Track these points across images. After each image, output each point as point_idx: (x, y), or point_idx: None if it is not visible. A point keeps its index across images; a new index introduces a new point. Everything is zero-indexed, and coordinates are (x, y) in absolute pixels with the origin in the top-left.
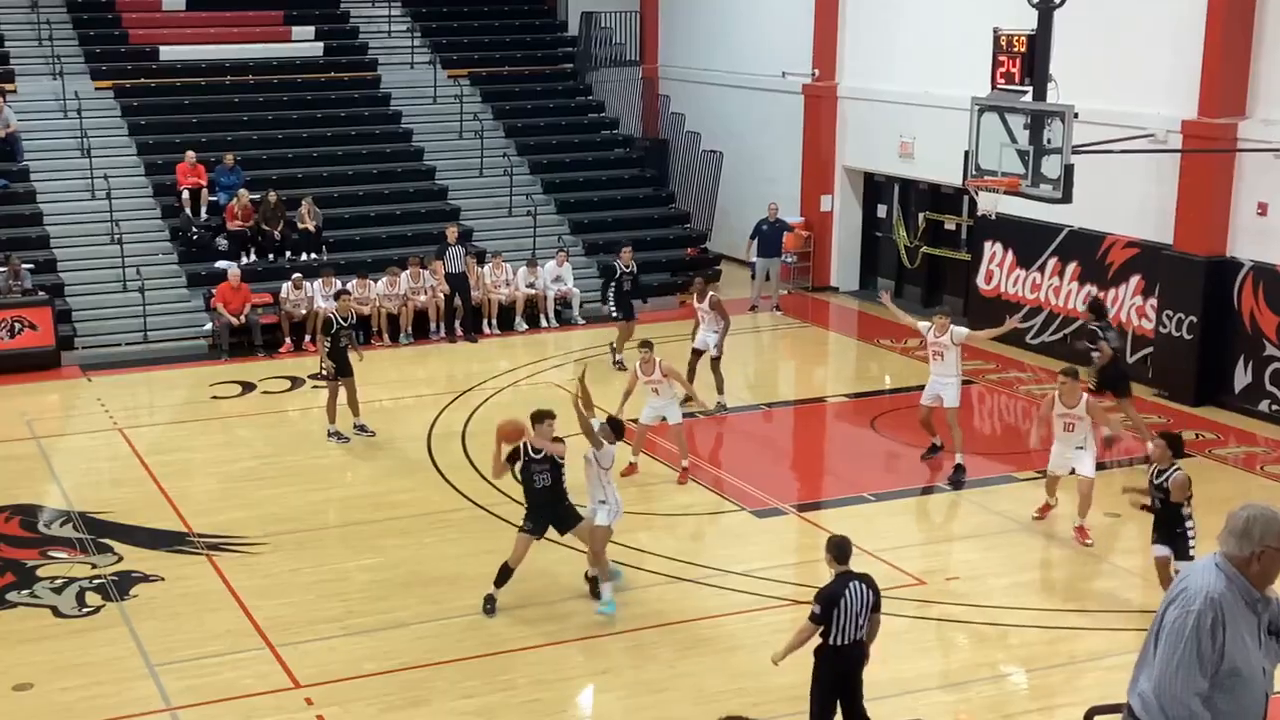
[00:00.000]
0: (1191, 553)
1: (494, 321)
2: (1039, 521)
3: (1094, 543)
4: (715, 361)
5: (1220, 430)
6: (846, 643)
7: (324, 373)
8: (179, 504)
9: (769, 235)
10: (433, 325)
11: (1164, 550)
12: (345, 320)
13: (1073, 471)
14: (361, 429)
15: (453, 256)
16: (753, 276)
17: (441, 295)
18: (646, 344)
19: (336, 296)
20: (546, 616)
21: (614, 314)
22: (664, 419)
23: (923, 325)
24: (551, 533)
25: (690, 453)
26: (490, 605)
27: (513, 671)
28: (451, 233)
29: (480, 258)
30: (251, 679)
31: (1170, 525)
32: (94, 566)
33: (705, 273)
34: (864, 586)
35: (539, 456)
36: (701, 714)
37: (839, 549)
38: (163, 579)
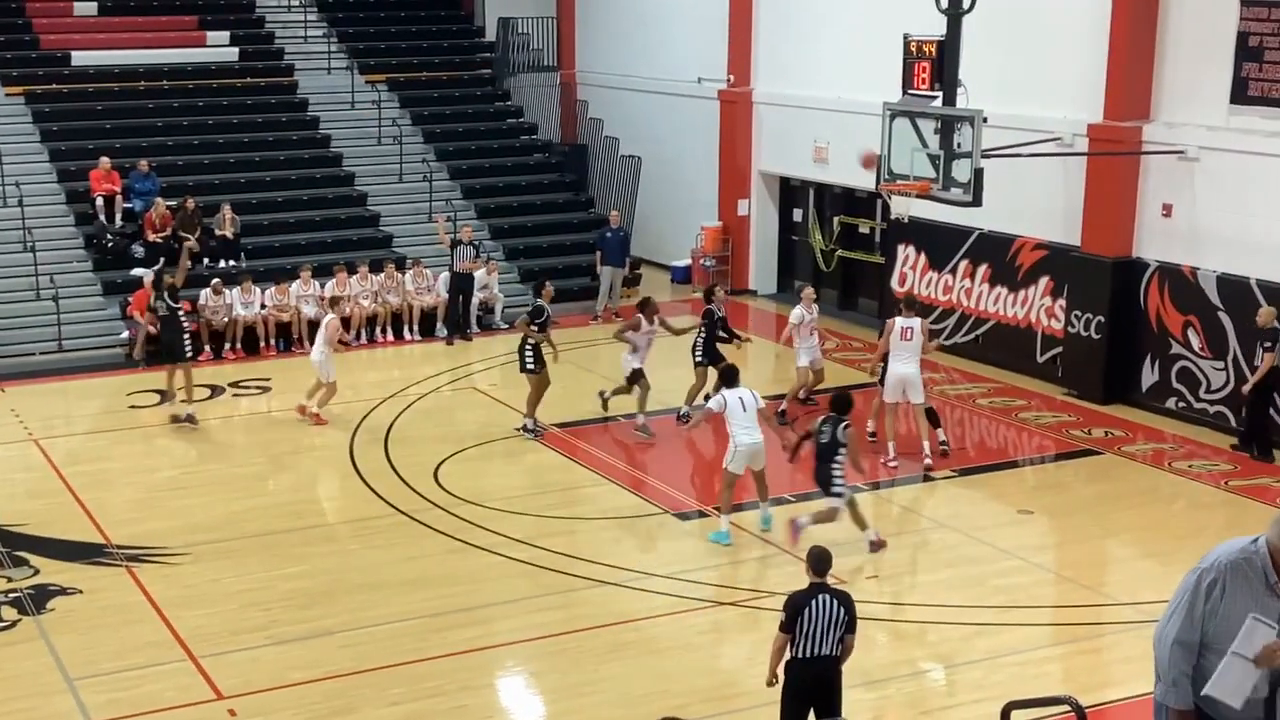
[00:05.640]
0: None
1: (416, 327)
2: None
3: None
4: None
5: (1129, 428)
6: (811, 656)
7: (531, 367)
8: (97, 515)
9: (612, 243)
10: (351, 332)
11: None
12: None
13: None
14: (527, 428)
15: (460, 255)
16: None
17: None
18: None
19: (538, 291)
20: (471, 622)
21: (699, 361)
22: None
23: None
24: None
25: (616, 455)
26: None
27: (439, 678)
28: (466, 232)
29: (399, 264)
30: (174, 691)
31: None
32: (9, 580)
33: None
34: (834, 602)
35: None
36: (627, 716)
37: (815, 560)
38: (81, 591)
